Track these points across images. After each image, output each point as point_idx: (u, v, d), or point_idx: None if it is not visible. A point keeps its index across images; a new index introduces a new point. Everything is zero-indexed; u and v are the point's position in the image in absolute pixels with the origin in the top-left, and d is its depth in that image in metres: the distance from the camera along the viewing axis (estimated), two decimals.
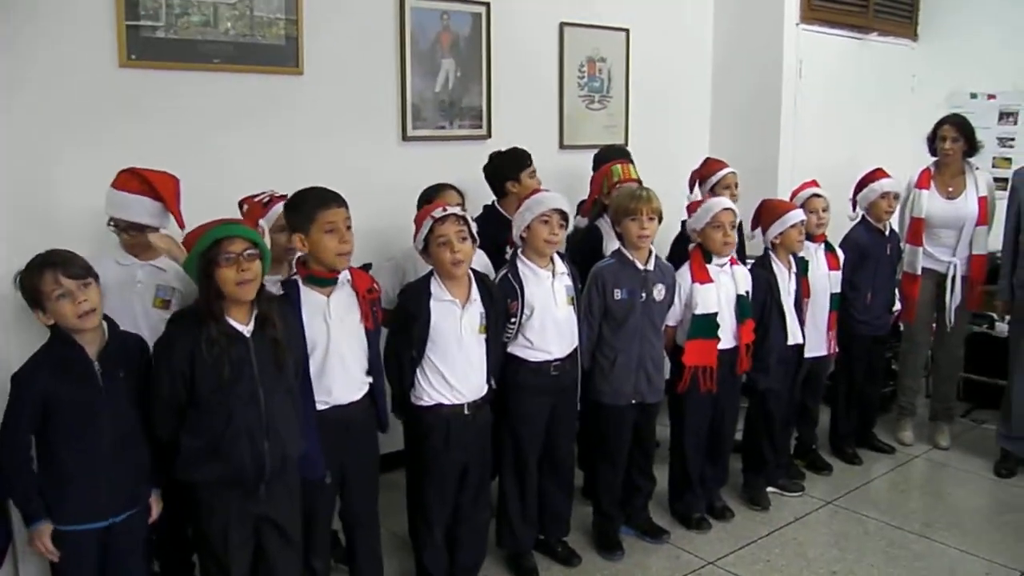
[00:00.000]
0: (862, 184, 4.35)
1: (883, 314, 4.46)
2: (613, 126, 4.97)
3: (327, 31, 3.76)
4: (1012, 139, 5.63)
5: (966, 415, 5.10)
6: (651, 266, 3.37)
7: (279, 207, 2.94)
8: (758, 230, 3.90)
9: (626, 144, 4.86)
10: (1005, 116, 5.67)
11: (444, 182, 3.54)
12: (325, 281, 2.67)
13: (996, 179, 4.76)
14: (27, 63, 3.06)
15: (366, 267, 2.89)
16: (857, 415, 4.54)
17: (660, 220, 3.35)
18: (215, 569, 2.48)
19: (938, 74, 5.86)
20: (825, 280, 4.07)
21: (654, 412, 3.53)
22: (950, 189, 4.48)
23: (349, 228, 2.64)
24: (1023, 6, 5.46)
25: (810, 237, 4.01)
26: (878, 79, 5.76)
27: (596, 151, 4.31)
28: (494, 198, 3.88)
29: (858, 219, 4.41)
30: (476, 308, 2.94)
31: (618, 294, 3.31)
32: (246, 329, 2.41)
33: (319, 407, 2.65)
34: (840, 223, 4.34)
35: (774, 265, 3.81)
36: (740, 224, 3.71)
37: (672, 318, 3.54)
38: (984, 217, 4.43)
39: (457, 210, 2.90)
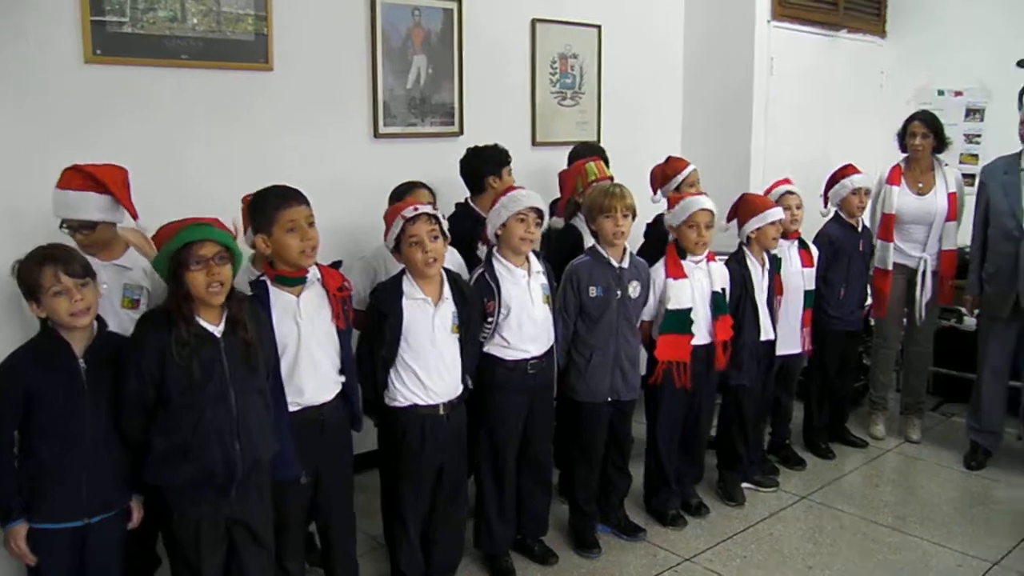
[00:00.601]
0: (833, 180, 4.37)
1: (856, 310, 4.49)
2: (585, 123, 4.97)
3: (297, 27, 3.72)
4: (979, 136, 5.69)
5: (936, 409, 5.15)
6: (626, 263, 3.37)
7: None
8: (733, 222, 3.90)
9: (598, 141, 4.86)
10: (972, 113, 5.73)
11: (416, 180, 3.52)
12: (294, 280, 2.64)
13: (963, 175, 4.80)
14: None
15: (336, 265, 2.86)
16: (830, 410, 4.56)
17: (634, 216, 3.35)
18: (186, 572, 2.45)
19: (906, 71, 5.91)
20: (799, 277, 4.09)
21: (630, 409, 3.52)
22: (920, 185, 4.51)
23: (312, 225, 2.61)
24: (988, 4, 5.52)
25: (783, 234, 4.03)
26: (848, 76, 5.80)
27: (571, 148, 4.31)
28: (467, 195, 3.86)
29: (830, 215, 4.44)
30: (448, 307, 2.92)
31: (593, 291, 3.30)
32: (217, 330, 2.38)
33: (291, 408, 2.62)
34: (812, 219, 4.36)
35: (748, 261, 3.81)
36: None
37: (647, 313, 3.54)
38: (953, 213, 4.47)
39: (428, 209, 2.88)
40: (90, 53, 3.20)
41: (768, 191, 4.14)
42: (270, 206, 2.58)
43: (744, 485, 4.01)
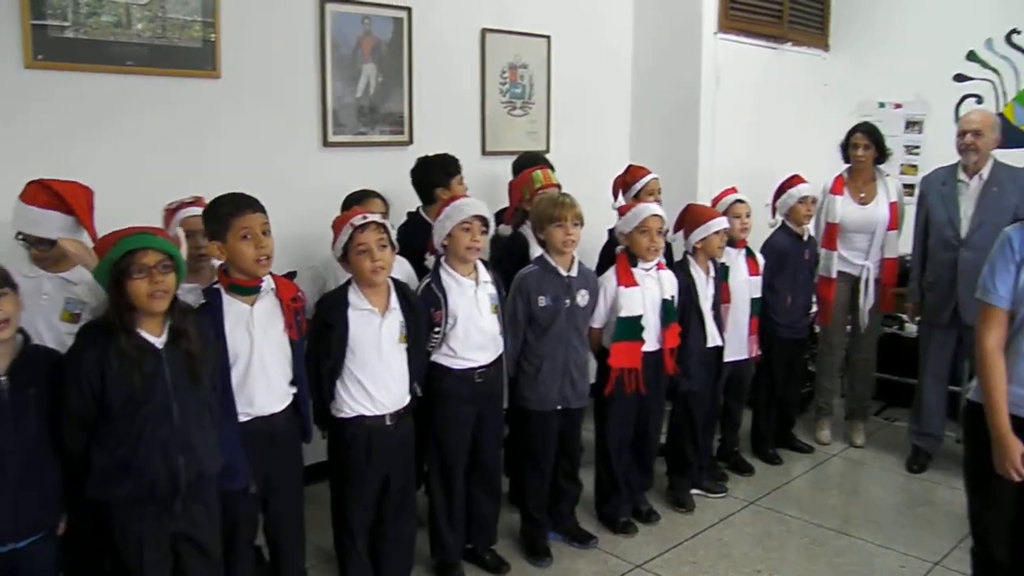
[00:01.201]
0: (781, 190, 4.45)
1: (802, 317, 4.57)
2: (535, 132, 4.99)
3: (245, 34, 3.68)
4: (918, 147, 5.83)
5: (879, 413, 5.26)
6: (574, 272, 3.39)
7: (188, 211, 2.90)
8: (679, 233, 3.94)
9: (547, 150, 4.89)
10: (911, 125, 5.88)
11: (369, 189, 3.50)
12: (248, 290, 2.61)
13: (904, 185, 4.93)
14: None
15: (290, 275, 2.84)
16: (777, 416, 4.63)
17: (582, 225, 3.37)
18: None
19: (848, 83, 6.04)
20: (746, 285, 4.15)
21: (579, 417, 3.54)
22: (862, 195, 4.61)
23: (267, 233, 2.59)
24: (926, 20, 5.68)
25: (732, 243, 4.09)
26: (793, 87, 5.92)
27: (515, 158, 4.31)
28: (419, 204, 3.85)
29: (778, 225, 4.51)
30: (396, 317, 2.91)
31: (542, 300, 3.32)
32: (159, 341, 2.33)
33: (241, 418, 2.59)
34: (758, 229, 4.43)
35: (692, 269, 3.86)
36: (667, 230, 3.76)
37: (597, 320, 3.56)
38: (894, 222, 4.57)
39: (377, 217, 2.87)
40: (31, 58, 3.13)
41: (716, 201, 4.20)
42: (225, 212, 2.56)
43: (694, 491, 4.04)
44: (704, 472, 4.12)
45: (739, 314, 4.13)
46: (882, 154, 4.61)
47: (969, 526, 2.73)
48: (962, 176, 4.18)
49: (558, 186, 3.70)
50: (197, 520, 2.43)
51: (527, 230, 3.72)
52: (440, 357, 3.15)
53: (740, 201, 4.15)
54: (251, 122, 3.75)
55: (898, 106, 5.89)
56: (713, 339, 3.92)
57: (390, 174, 3.90)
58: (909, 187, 5.03)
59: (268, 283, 2.65)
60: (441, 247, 3.16)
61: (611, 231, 4.08)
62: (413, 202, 3.86)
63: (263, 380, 2.63)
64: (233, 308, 2.59)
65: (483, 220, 3.14)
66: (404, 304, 2.94)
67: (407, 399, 2.96)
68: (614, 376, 3.52)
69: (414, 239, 3.43)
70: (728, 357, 4.08)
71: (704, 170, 5.21)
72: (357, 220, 2.81)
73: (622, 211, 3.67)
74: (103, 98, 3.34)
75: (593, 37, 5.23)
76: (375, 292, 2.87)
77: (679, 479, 4.02)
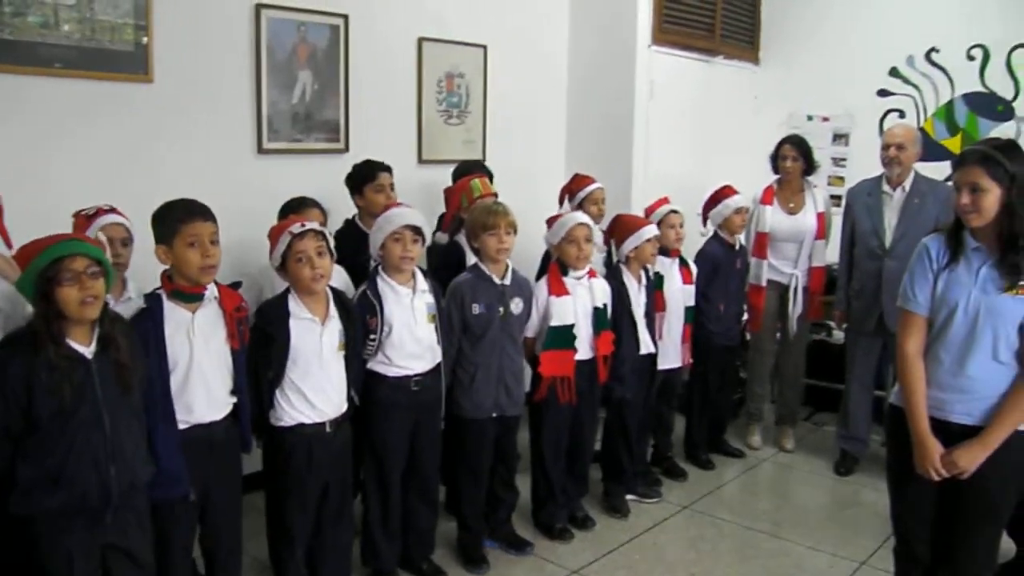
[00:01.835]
0: (714, 200, 4.52)
1: (734, 325, 4.66)
2: (471, 141, 5.01)
3: (179, 39, 3.63)
4: (844, 159, 6.00)
5: (808, 418, 5.38)
6: (508, 280, 3.41)
7: (107, 219, 2.86)
8: (611, 242, 3.98)
9: (484, 159, 4.90)
10: (838, 138, 6.04)
11: (307, 197, 3.48)
12: (190, 297, 2.59)
13: (831, 196, 5.07)
14: None
15: (235, 285, 2.81)
16: (709, 422, 4.71)
17: (515, 233, 3.39)
18: None
19: (778, 96, 6.19)
20: (680, 294, 4.22)
21: (515, 425, 3.56)
22: (791, 205, 4.73)
23: (215, 243, 2.58)
24: (851, 37, 5.85)
25: (666, 252, 4.15)
26: (724, 100, 6.03)
27: (455, 166, 4.33)
28: (355, 212, 3.84)
29: (710, 234, 4.60)
30: (335, 325, 2.90)
31: (476, 308, 3.33)
32: (88, 351, 2.28)
33: (180, 426, 2.56)
34: (690, 238, 4.50)
35: (624, 277, 3.90)
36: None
37: (531, 329, 3.59)
38: (822, 231, 4.70)
39: (315, 225, 2.87)
40: None
41: (650, 211, 4.26)
42: (174, 218, 2.55)
43: (628, 497, 4.09)
44: (638, 478, 4.17)
45: (673, 322, 4.19)
46: (810, 166, 4.75)
47: (892, 526, 2.81)
48: (886, 188, 4.32)
49: (495, 195, 3.72)
50: (127, 529, 2.38)
51: (463, 239, 3.73)
52: (376, 365, 3.14)
53: (674, 211, 4.22)
54: (184, 128, 3.69)
55: (825, 119, 6.04)
56: (646, 346, 3.97)
57: (326, 182, 3.88)
58: (836, 198, 5.18)
59: (212, 291, 2.63)
60: (378, 257, 3.15)
61: None
62: (349, 209, 3.84)
63: (202, 388, 2.60)
64: (174, 315, 2.57)
65: (415, 229, 3.13)
66: (342, 312, 2.94)
67: (345, 406, 2.96)
68: (545, 384, 3.55)
69: (349, 247, 3.41)
70: (662, 365, 4.13)
71: (638, 180, 5.28)
72: (296, 228, 2.80)
73: (549, 222, 3.71)
74: (29, 101, 3.26)
75: (529, 47, 5.28)
76: (315, 301, 2.86)
77: (614, 485, 4.06)
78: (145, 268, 2.88)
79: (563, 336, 3.55)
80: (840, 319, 4.68)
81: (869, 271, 4.34)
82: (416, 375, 3.18)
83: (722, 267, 4.49)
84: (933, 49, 5.58)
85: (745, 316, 4.85)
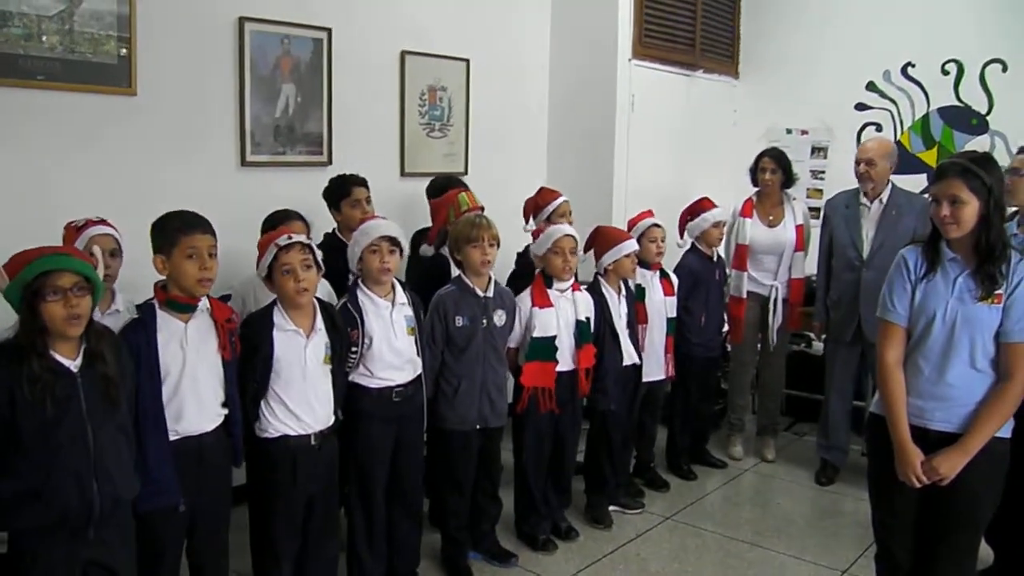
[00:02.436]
0: (692, 213, 4.56)
1: (715, 336, 4.69)
2: (453, 154, 5.03)
3: (162, 51, 3.63)
4: (823, 172, 6.07)
5: (789, 429, 5.42)
6: (491, 292, 3.43)
7: (97, 230, 2.86)
8: (590, 253, 4.00)
9: (465, 172, 4.94)
10: (816, 151, 6.11)
11: (291, 210, 3.48)
12: (184, 307, 2.60)
13: (810, 208, 5.13)
14: None
15: (224, 298, 2.81)
16: (691, 433, 4.73)
17: (498, 246, 3.41)
18: None
19: (757, 110, 6.26)
20: (661, 306, 4.25)
21: (498, 436, 3.57)
22: (771, 217, 4.78)
23: (213, 256, 2.59)
24: (829, 51, 5.93)
25: (647, 264, 4.18)
26: (704, 113, 6.09)
27: (430, 180, 4.33)
28: (335, 225, 3.85)
29: (687, 246, 4.63)
30: (321, 338, 2.90)
31: (459, 321, 3.34)
32: (73, 364, 2.26)
33: (170, 436, 2.55)
34: (669, 250, 4.52)
35: (604, 289, 3.92)
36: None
37: (514, 340, 3.60)
38: (801, 243, 4.75)
39: (302, 238, 2.87)
40: None
41: (632, 224, 4.28)
42: (174, 228, 2.56)
43: (611, 508, 4.10)
44: (621, 489, 4.18)
45: (655, 334, 4.22)
46: (789, 178, 4.80)
47: (873, 534, 2.84)
48: (864, 200, 4.37)
49: (482, 208, 3.74)
50: (112, 546, 2.36)
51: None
52: (357, 377, 3.14)
53: (656, 225, 4.25)
54: (168, 140, 3.69)
55: (804, 132, 6.12)
56: (630, 358, 3.99)
57: (309, 194, 3.89)
58: (815, 210, 5.24)
59: (204, 302, 2.64)
60: (358, 269, 3.16)
61: (519, 255, 4.14)
62: (331, 223, 3.85)
63: (193, 398, 2.60)
64: (168, 324, 2.57)
65: (392, 240, 3.13)
66: (329, 324, 2.93)
67: (331, 419, 2.95)
68: (526, 395, 3.57)
69: (329, 260, 3.40)
70: (646, 377, 4.15)
71: (619, 193, 5.32)
72: (282, 240, 2.80)
73: (535, 234, 3.73)
74: (11, 114, 3.25)
75: (511, 61, 5.31)
76: (300, 313, 2.86)
77: (597, 496, 4.07)
78: (133, 281, 2.89)
79: (545, 348, 3.57)
80: (819, 330, 4.73)
81: (847, 282, 4.38)
82: (397, 386, 3.17)
83: (702, 279, 4.52)
84: (909, 64, 5.67)
85: (726, 328, 4.88)
